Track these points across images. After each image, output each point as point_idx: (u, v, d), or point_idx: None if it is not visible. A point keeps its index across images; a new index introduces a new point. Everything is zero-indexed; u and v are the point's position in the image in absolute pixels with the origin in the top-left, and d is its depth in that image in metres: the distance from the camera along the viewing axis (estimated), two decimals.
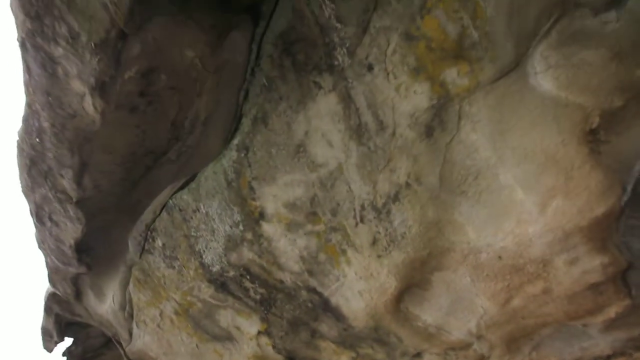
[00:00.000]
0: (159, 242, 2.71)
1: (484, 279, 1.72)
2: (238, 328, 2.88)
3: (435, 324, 1.99)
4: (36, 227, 3.37)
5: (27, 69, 1.87)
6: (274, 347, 2.76)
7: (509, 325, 1.85)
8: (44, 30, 1.65)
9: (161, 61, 1.93)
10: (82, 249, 3.17)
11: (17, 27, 1.69)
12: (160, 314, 3.33)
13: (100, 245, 3.26)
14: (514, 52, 1.41)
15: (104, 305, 3.84)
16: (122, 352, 5.10)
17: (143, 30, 1.68)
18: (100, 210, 2.89)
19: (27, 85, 1.96)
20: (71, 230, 3.01)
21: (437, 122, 1.58)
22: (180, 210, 2.46)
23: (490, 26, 1.38)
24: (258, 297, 2.41)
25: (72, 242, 3.10)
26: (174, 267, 2.76)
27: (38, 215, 3.18)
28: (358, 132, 1.70)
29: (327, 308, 2.18)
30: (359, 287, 1.94)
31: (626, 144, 1.43)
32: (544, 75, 1.42)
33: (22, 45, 1.75)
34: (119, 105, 2.01)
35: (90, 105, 1.95)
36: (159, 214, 2.56)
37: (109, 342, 7.05)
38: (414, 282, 1.87)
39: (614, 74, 1.33)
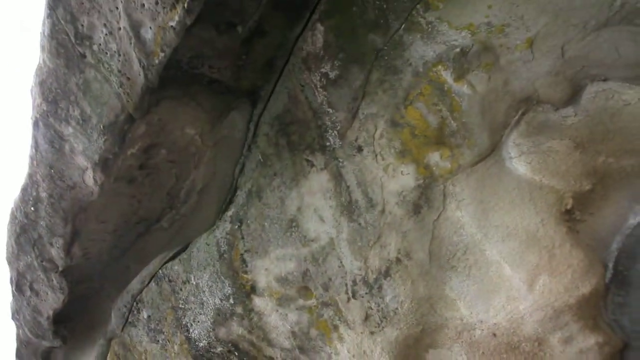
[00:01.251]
0: (144, 314, 2.61)
1: (480, 357, 1.67)
2: None
3: None
4: (14, 296, 3.24)
5: (35, 144, 1.97)
6: None
7: None
8: (58, 112, 1.78)
9: (163, 138, 2.05)
10: (60, 320, 3.02)
11: (33, 108, 1.82)
12: None
13: (79, 316, 3.12)
14: (489, 140, 1.56)
15: None
16: None
17: (149, 113, 1.82)
18: (85, 278, 2.83)
19: (33, 158, 2.05)
20: (51, 300, 2.90)
21: (423, 201, 1.67)
22: (170, 281, 2.41)
23: (466, 118, 1.55)
24: None
25: (50, 312, 2.98)
26: (157, 342, 2.62)
27: (18, 283, 3.08)
28: (349, 209, 1.78)
29: None
30: None
31: (600, 223, 1.52)
32: (518, 160, 1.56)
33: (35, 124, 1.87)
34: (118, 178, 2.09)
35: (90, 179, 2.02)
36: (147, 285, 2.51)
37: None
38: None
39: (579, 161, 1.47)
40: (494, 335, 1.62)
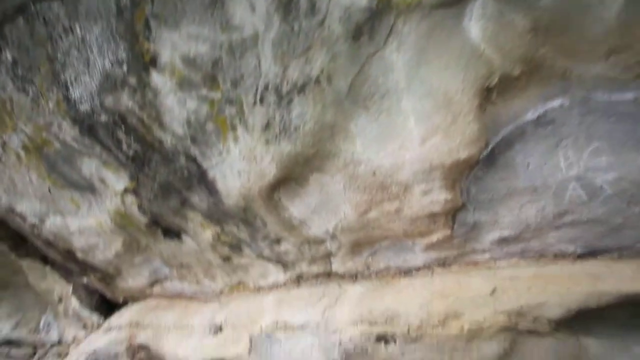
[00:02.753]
0: (7, 56, 2.15)
1: (355, 189, 1.90)
2: (103, 181, 2.67)
3: (300, 218, 2.18)
4: None
5: None
6: (139, 207, 2.67)
7: (360, 232, 2.15)
8: None
9: None
10: None
11: None
12: (3, 146, 2.82)
13: None
14: None
15: None
16: None
17: None
18: None
19: None
20: None
21: (367, 28, 1.51)
22: (46, 22, 1.94)
23: None
24: (131, 152, 2.21)
25: None
26: (26, 93, 2.27)
27: None
28: (287, 7, 1.51)
29: (202, 180, 2.15)
30: (239, 167, 1.94)
31: (506, 110, 1.62)
32: (475, 23, 1.45)
33: None
34: None
35: None
36: (12, 17, 1.98)
37: None
38: (292, 176, 1.95)
39: (526, 44, 1.44)
40: (374, 173, 1.81)
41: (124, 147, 2.23)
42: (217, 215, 2.40)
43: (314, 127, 1.69)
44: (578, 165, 1.66)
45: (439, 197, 1.77)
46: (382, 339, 2.03)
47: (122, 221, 2.91)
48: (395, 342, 2.00)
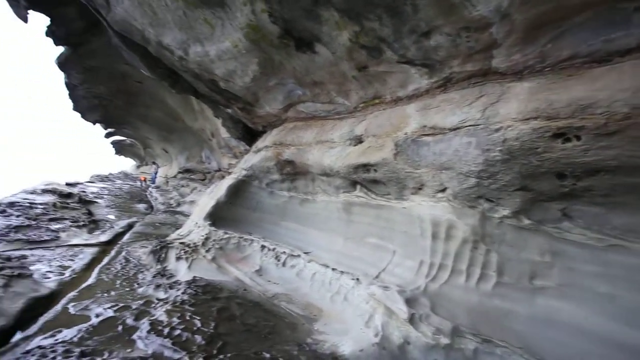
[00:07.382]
0: None
1: None
2: None
3: None
4: None
5: None
6: (270, 14, 2.52)
7: (548, 4, 1.61)
8: None
9: None
10: None
11: None
12: None
13: None
14: None
15: None
16: (104, 22, 4.83)
17: None
18: None
19: None
20: None
21: None
22: None
23: None
24: None
25: None
26: None
27: None
28: None
29: None
30: None
31: None
32: None
33: None
34: None
35: None
36: None
37: (92, 28, 6.66)
38: None
39: None
40: None
41: None
42: (357, 7, 2.08)
43: None
44: None
45: None
46: (561, 135, 1.73)
47: (255, 36, 2.86)
48: (579, 138, 1.69)
